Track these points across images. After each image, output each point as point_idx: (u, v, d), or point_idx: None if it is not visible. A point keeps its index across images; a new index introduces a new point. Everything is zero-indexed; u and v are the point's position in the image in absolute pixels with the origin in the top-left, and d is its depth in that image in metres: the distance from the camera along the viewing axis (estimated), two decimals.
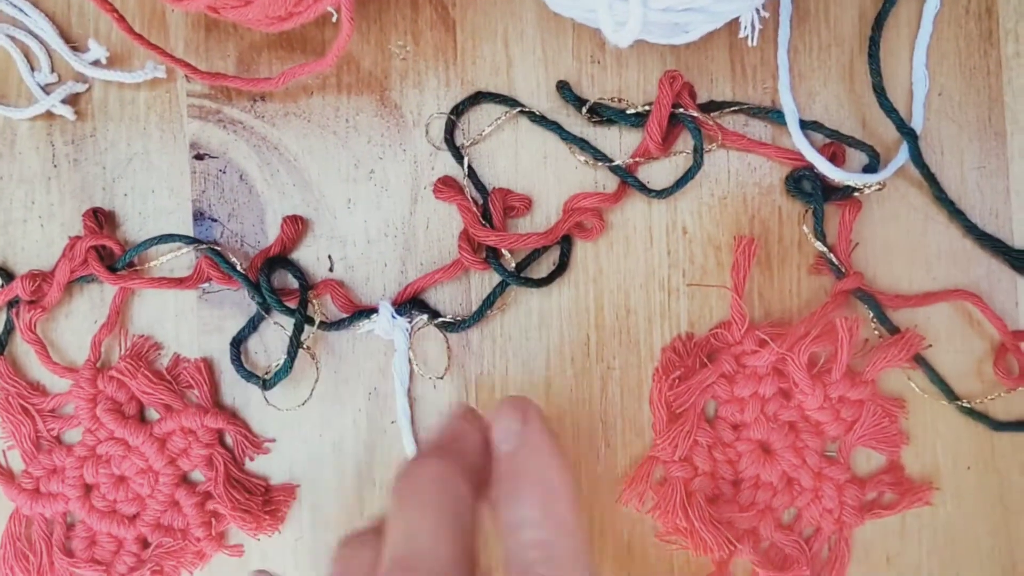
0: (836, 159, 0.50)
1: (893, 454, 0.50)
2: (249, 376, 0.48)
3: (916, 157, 0.50)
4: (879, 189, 0.50)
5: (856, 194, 0.50)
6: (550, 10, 0.48)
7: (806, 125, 0.50)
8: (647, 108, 0.50)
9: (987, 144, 0.51)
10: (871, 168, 0.50)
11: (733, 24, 0.49)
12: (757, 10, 0.47)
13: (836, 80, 0.51)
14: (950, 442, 0.50)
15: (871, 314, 0.50)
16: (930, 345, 0.50)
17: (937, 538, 0.50)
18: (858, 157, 0.50)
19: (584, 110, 0.50)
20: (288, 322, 0.48)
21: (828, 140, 0.50)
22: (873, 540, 0.50)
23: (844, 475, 0.49)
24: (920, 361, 0.50)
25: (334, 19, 0.48)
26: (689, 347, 0.50)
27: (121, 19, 0.45)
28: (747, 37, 0.47)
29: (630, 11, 0.38)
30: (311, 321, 0.48)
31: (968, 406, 0.50)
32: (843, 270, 0.49)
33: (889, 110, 0.50)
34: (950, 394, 0.50)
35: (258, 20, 0.46)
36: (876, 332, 0.50)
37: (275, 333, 0.50)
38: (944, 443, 0.50)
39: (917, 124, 0.51)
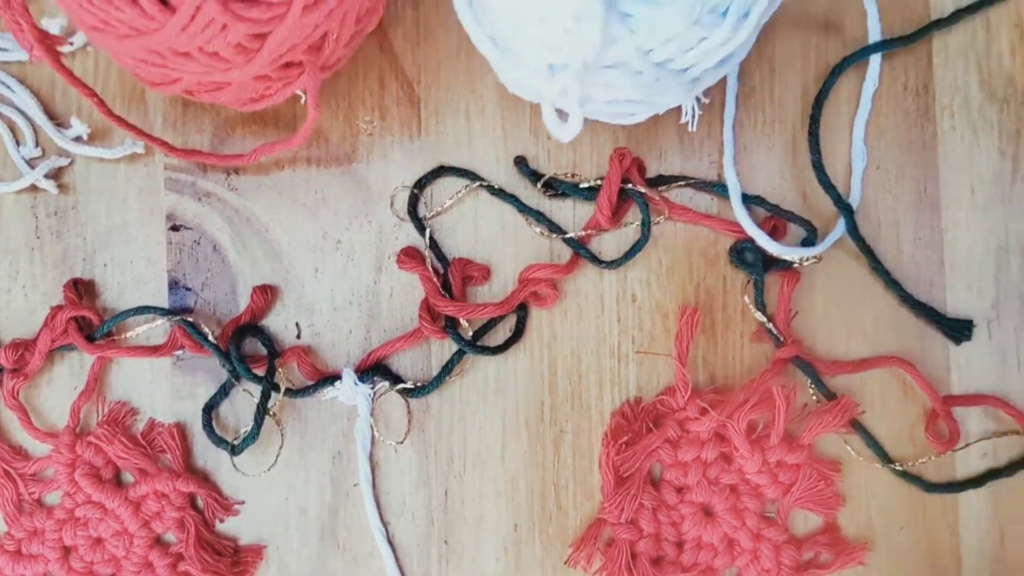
0: (777, 232, 0.53)
1: (829, 515, 0.53)
2: (219, 442, 0.51)
3: (852, 231, 0.53)
4: (816, 262, 0.53)
5: (795, 265, 0.53)
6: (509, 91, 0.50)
7: (749, 199, 0.53)
8: (599, 182, 0.52)
9: (923, 216, 0.54)
10: (809, 241, 0.53)
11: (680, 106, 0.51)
12: (698, 97, 0.49)
13: (779, 154, 0.54)
14: (884, 503, 0.53)
15: (809, 380, 0.53)
16: (863, 412, 0.53)
17: None
18: (799, 230, 0.53)
19: (540, 184, 0.53)
20: (257, 389, 0.51)
21: (769, 214, 0.53)
22: None
23: (782, 536, 0.52)
24: (856, 425, 0.53)
25: (302, 100, 0.51)
26: (637, 412, 0.53)
27: (101, 102, 0.48)
28: (688, 123, 0.50)
29: (570, 118, 0.40)
30: (277, 388, 0.51)
31: (901, 469, 0.52)
32: (782, 339, 0.52)
33: (827, 186, 0.53)
34: (884, 457, 0.53)
35: (230, 102, 0.49)
36: (814, 397, 0.53)
37: (245, 398, 0.52)
38: (879, 504, 0.53)
39: (855, 198, 0.53)
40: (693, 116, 0.50)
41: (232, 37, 0.42)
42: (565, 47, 0.41)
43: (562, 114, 0.42)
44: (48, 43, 0.46)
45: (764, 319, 0.52)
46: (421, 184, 0.53)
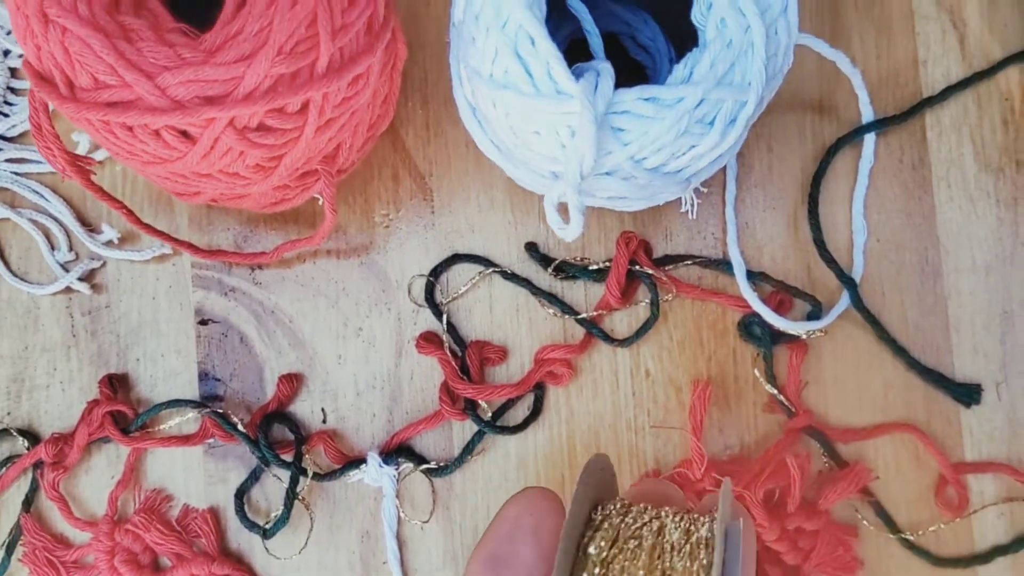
0: (783, 306, 0.55)
1: None
2: (252, 526, 0.53)
3: (857, 303, 0.54)
4: (822, 335, 0.54)
5: (803, 337, 0.54)
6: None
7: (753, 275, 0.54)
8: (608, 264, 0.55)
9: (926, 284, 0.56)
10: (815, 314, 0.54)
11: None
12: (696, 189, 0.52)
13: (782, 230, 0.56)
14: (902, 564, 0.54)
15: (822, 448, 0.54)
16: (877, 477, 0.54)
17: None
18: (804, 304, 0.55)
19: (550, 268, 0.55)
20: (286, 474, 0.53)
21: (774, 289, 0.55)
22: None
23: None
24: (867, 494, 0.54)
25: (320, 203, 0.53)
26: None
27: (129, 212, 0.51)
28: (687, 212, 0.52)
29: (570, 221, 0.43)
30: (305, 473, 0.53)
31: (909, 539, 0.53)
32: (793, 410, 0.54)
33: (829, 261, 0.55)
34: (892, 527, 0.54)
35: (252, 207, 0.52)
36: (827, 464, 0.54)
37: (275, 481, 0.54)
38: (897, 566, 0.54)
39: (858, 270, 0.55)
40: (692, 206, 0.52)
41: (250, 160, 0.45)
42: (562, 158, 0.43)
43: (565, 215, 0.44)
44: (78, 166, 0.49)
45: (775, 391, 0.54)
46: (436, 272, 0.55)
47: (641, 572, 0.31)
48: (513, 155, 0.46)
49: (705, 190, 0.54)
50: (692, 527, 0.32)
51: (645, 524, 0.33)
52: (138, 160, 0.44)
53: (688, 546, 0.32)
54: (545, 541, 0.33)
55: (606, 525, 0.33)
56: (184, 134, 0.43)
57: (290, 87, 0.42)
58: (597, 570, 0.31)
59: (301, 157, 0.45)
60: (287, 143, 0.44)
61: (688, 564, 0.31)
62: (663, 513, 0.33)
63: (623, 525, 0.33)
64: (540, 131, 0.43)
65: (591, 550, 0.32)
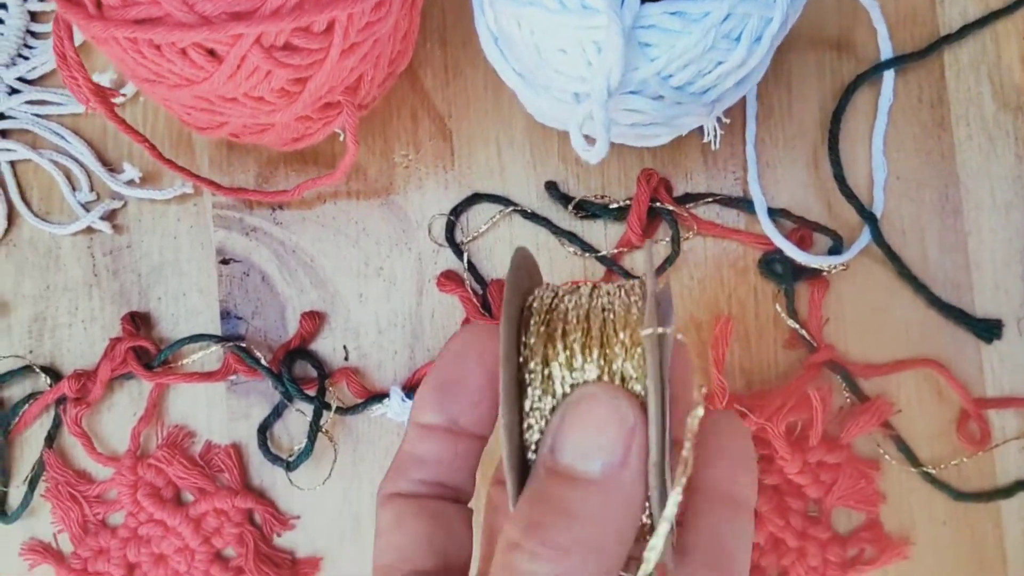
0: (804, 242, 0.55)
1: (871, 512, 0.54)
2: (275, 459, 0.53)
3: (877, 238, 0.54)
4: (844, 269, 0.54)
5: (824, 273, 0.54)
6: (536, 120, 0.53)
7: (774, 212, 0.55)
8: (628, 202, 0.55)
9: (946, 221, 0.56)
10: (836, 250, 0.54)
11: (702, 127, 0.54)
12: (719, 118, 0.52)
13: (802, 169, 0.56)
14: (925, 499, 0.54)
15: (843, 383, 0.54)
16: (899, 410, 0.54)
17: None
18: (825, 239, 0.55)
19: (570, 207, 0.55)
20: (309, 408, 0.53)
21: (795, 226, 0.55)
22: None
23: (826, 534, 0.53)
24: (889, 429, 0.54)
25: (341, 138, 0.54)
26: None
27: (152, 147, 0.51)
28: (711, 142, 0.52)
29: (596, 137, 0.43)
30: (329, 407, 0.53)
31: (931, 472, 0.53)
32: (815, 344, 0.54)
33: (849, 197, 0.55)
34: (915, 461, 0.54)
35: (273, 143, 0.52)
36: (848, 400, 0.54)
37: (297, 418, 0.54)
38: (919, 500, 0.54)
39: (878, 207, 0.55)
40: (715, 136, 0.52)
41: (275, 83, 0.45)
42: (588, 77, 0.43)
43: (589, 139, 0.44)
44: (102, 95, 0.49)
45: (797, 325, 0.54)
46: (457, 211, 0.56)
47: (579, 313, 0.30)
48: (536, 80, 0.46)
49: (727, 120, 0.54)
50: (624, 289, 0.31)
51: (577, 291, 0.32)
52: (164, 84, 0.44)
53: (622, 295, 0.31)
54: (490, 363, 0.32)
55: (539, 300, 0.31)
56: (211, 53, 0.43)
57: (316, 4, 0.42)
58: (540, 330, 0.30)
59: (325, 83, 0.45)
60: (312, 64, 0.44)
61: (624, 310, 0.30)
62: (593, 285, 0.32)
63: (556, 296, 0.31)
64: (566, 48, 0.43)
65: (531, 327, 0.30)
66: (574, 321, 0.30)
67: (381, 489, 0.34)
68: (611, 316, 0.30)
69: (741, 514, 0.32)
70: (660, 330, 0.28)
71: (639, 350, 0.29)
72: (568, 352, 0.29)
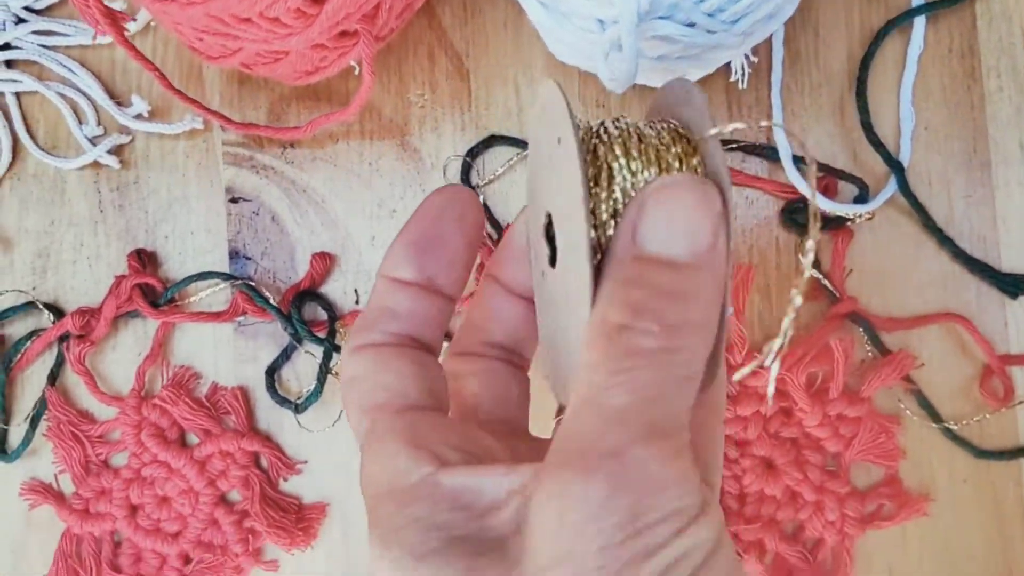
0: (828, 191, 0.53)
1: (891, 468, 0.53)
2: (283, 401, 0.52)
3: (904, 188, 0.53)
4: (869, 218, 0.53)
5: (848, 223, 0.53)
6: (557, 59, 0.51)
7: (799, 160, 0.53)
8: None
9: (973, 174, 0.54)
10: (861, 199, 0.53)
11: (728, 68, 0.52)
12: (747, 55, 0.50)
13: (828, 117, 0.54)
14: (945, 456, 0.53)
15: (865, 336, 0.53)
16: (922, 364, 0.53)
17: (936, 548, 0.53)
18: (850, 188, 0.54)
19: None
20: (318, 351, 0.52)
21: (820, 174, 0.53)
22: (875, 550, 0.53)
23: (845, 488, 0.52)
24: (910, 384, 0.53)
25: (356, 72, 0.52)
26: None
27: (162, 76, 0.49)
28: (738, 80, 0.51)
29: (624, 63, 0.41)
30: (339, 349, 0.51)
31: (952, 429, 0.52)
32: (837, 295, 0.52)
33: (877, 145, 0.53)
34: (936, 417, 0.52)
35: (287, 75, 0.50)
36: (870, 353, 0.53)
37: (306, 361, 0.53)
38: (940, 457, 0.53)
39: (905, 157, 0.54)
40: (743, 74, 0.51)
41: (292, 1, 0.43)
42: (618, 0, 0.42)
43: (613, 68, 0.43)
44: (113, 19, 0.48)
45: (820, 276, 0.53)
46: (473, 153, 0.54)
47: (627, 130, 0.30)
48: (559, 7, 0.45)
49: (754, 58, 0.52)
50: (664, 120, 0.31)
51: (619, 119, 0.31)
52: (177, 2, 0.43)
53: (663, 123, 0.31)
54: (470, 228, 0.32)
55: (584, 122, 0.31)
56: None
57: None
58: (594, 143, 0.30)
59: (343, 6, 0.44)
60: None
61: (670, 129, 0.30)
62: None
63: (600, 122, 0.31)
64: None
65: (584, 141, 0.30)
66: (626, 137, 0.30)
67: (349, 343, 0.33)
68: (662, 132, 0.30)
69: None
70: (716, 130, 0.29)
71: (696, 159, 0.29)
72: (626, 158, 0.29)
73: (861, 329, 0.53)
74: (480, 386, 0.35)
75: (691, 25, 0.43)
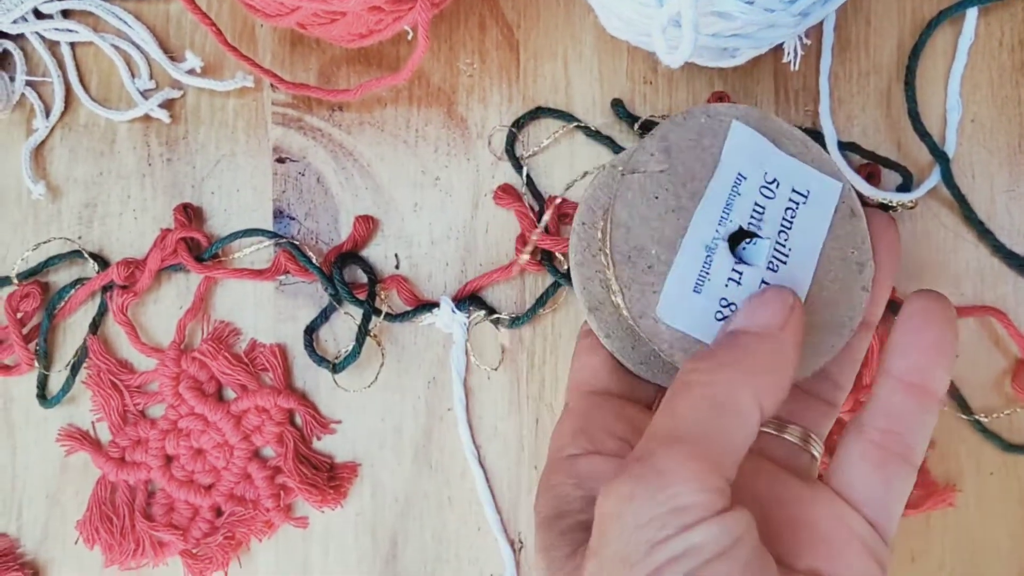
0: (872, 179, 0.53)
1: None
2: (320, 361, 0.52)
3: (948, 179, 0.53)
4: (911, 207, 0.53)
5: (890, 211, 0.53)
6: (607, 34, 0.51)
7: (844, 146, 0.53)
8: None
9: (1016, 169, 0.54)
10: (904, 188, 0.53)
11: (778, 51, 0.52)
12: (800, 37, 0.50)
13: (874, 105, 0.55)
14: (974, 448, 0.53)
15: None
16: (956, 355, 0.53)
17: (960, 539, 0.53)
18: (892, 178, 0.54)
19: (636, 126, 0.54)
20: (357, 312, 0.52)
21: (865, 161, 0.54)
22: (898, 538, 0.53)
23: None
24: None
25: (409, 37, 0.52)
26: None
27: (219, 32, 0.50)
28: (790, 62, 0.51)
29: (683, 36, 0.41)
30: (378, 312, 0.52)
31: (983, 422, 0.52)
32: None
33: (923, 134, 0.53)
34: (966, 409, 0.53)
35: (341, 36, 0.51)
36: None
37: (344, 324, 0.54)
38: (968, 449, 0.53)
39: (950, 148, 0.54)
40: (796, 56, 0.51)
41: None
42: None
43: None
44: None
45: None
46: (519, 124, 0.54)
47: None
48: None
49: (808, 41, 0.52)
50: None
51: None
52: None
53: None
54: None
55: None
56: None
57: None
58: None
59: None
60: None
61: None
62: None
63: None
64: None
65: None
66: None
67: (582, 327, 0.42)
68: None
69: (927, 405, 0.37)
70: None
71: None
72: None
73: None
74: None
75: (750, 2, 0.43)
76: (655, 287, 0.37)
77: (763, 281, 0.38)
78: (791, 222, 0.40)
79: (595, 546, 0.30)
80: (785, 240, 0.39)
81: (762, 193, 0.40)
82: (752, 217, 0.39)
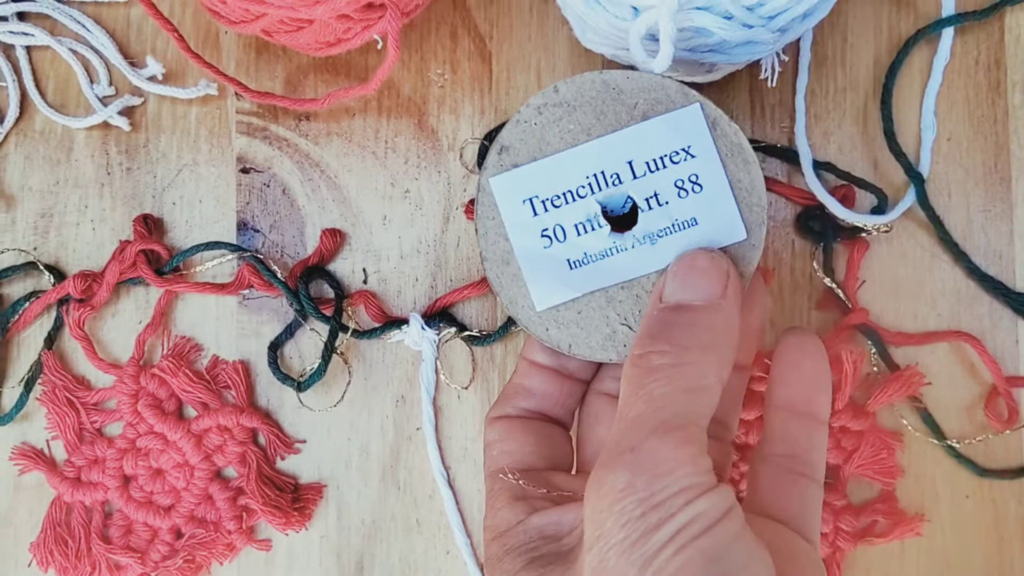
0: (847, 200, 0.53)
1: (888, 485, 0.52)
2: (285, 379, 0.51)
3: (923, 200, 0.52)
4: (887, 231, 0.52)
5: (864, 234, 0.52)
6: (581, 46, 0.50)
7: (819, 166, 0.52)
8: None
9: (992, 189, 0.54)
10: (879, 209, 0.52)
11: (754, 67, 0.52)
12: (777, 54, 0.50)
13: (850, 122, 0.54)
14: (949, 472, 0.53)
15: (873, 349, 0.52)
16: (929, 383, 0.52)
17: (934, 563, 0.53)
18: (868, 197, 0.53)
19: None
20: (323, 329, 0.51)
21: (840, 181, 0.53)
22: (872, 563, 0.53)
23: (841, 501, 0.52)
24: (914, 400, 0.52)
25: (379, 46, 0.51)
26: None
27: (180, 38, 0.48)
28: (767, 79, 0.50)
29: (660, 48, 0.40)
30: (345, 328, 0.51)
31: (955, 447, 0.52)
32: (849, 306, 0.52)
33: (898, 154, 0.53)
34: (939, 434, 0.52)
35: (308, 45, 0.49)
36: (875, 368, 0.53)
37: (310, 340, 0.52)
38: (944, 472, 0.53)
39: (925, 168, 0.53)
40: (773, 73, 0.50)
41: None
42: None
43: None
44: None
45: (833, 285, 0.52)
46: (491, 137, 0.53)
47: None
48: None
49: (786, 57, 0.52)
50: None
51: None
52: None
53: None
54: None
55: None
56: None
57: None
58: None
59: None
60: None
61: None
62: None
63: None
64: None
65: None
66: None
67: (489, 414, 0.43)
68: None
69: (816, 428, 0.41)
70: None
71: None
72: None
73: (870, 341, 0.52)
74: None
75: (728, 18, 0.42)
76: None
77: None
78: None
79: (592, 539, 0.32)
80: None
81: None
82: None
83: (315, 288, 0.52)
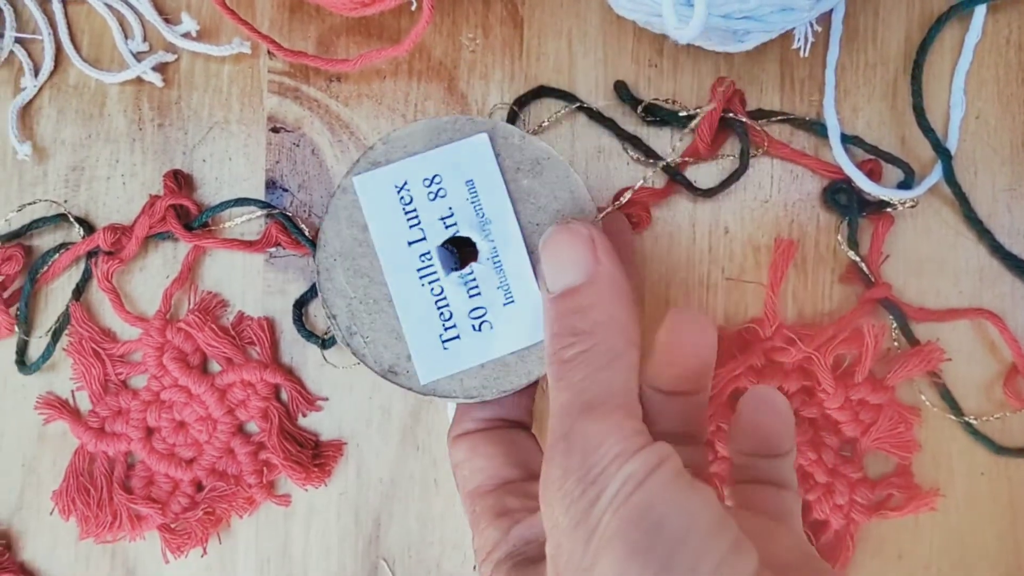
0: (873, 174, 0.53)
1: (904, 459, 0.52)
2: (309, 336, 0.51)
3: (949, 176, 0.52)
4: (912, 206, 0.52)
5: (890, 209, 0.52)
6: (614, 14, 0.51)
7: (847, 140, 0.53)
8: (699, 111, 0.53)
9: (1019, 168, 0.54)
10: (906, 185, 0.52)
11: (785, 39, 0.52)
12: (811, 23, 0.50)
13: (879, 98, 0.54)
14: (965, 448, 0.53)
15: (894, 324, 0.52)
16: (949, 359, 0.52)
17: (948, 539, 0.53)
18: (894, 173, 0.53)
19: (639, 109, 0.53)
20: None
21: (867, 155, 0.53)
22: (886, 536, 0.53)
23: (857, 474, 0.52)
24: (934, 376, 0.52)
25: (413, 7, 0.51)
26: (722, 338, 0.52)
27: None
28: (799, 48, 0.50)
29: (695, 10, 0.41)
30: None
31: (973, 423, 0.52)
32: (872, 280, 0.52)
33: (927, 130, 0.53)
34: (957, 411, 0.52)
35: (342, 4, 0.50)
36: (896, 343, 0.53)
37: None
38: (960, 449, 0.53)
39: (952, 145, 0.53)
40: (806, 42, 0.50)
41: None
42: None
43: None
44: None
45: (857, 259, 0.52)
46: (520, 103, 0.53)
47: None
48: None
49: (819, 28, 0.52)
50: None
51: None
52: None
53: None
54: None
55: None
56: None
57: None
58: None
59: None
60: None
61: None
62: None
63: None
64: None
65: None
66: None
67: (450, 433, 0.42)
68: None
69: (782, 459, 0.40)
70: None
71: None
72: None
73: (892, 316, 0.52)
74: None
75: None
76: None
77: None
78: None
79: (548, 531, 0.33)
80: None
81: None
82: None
83: None
